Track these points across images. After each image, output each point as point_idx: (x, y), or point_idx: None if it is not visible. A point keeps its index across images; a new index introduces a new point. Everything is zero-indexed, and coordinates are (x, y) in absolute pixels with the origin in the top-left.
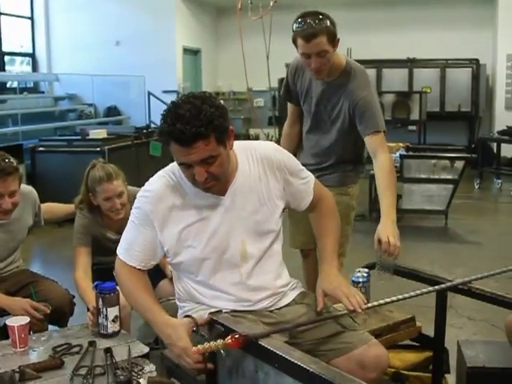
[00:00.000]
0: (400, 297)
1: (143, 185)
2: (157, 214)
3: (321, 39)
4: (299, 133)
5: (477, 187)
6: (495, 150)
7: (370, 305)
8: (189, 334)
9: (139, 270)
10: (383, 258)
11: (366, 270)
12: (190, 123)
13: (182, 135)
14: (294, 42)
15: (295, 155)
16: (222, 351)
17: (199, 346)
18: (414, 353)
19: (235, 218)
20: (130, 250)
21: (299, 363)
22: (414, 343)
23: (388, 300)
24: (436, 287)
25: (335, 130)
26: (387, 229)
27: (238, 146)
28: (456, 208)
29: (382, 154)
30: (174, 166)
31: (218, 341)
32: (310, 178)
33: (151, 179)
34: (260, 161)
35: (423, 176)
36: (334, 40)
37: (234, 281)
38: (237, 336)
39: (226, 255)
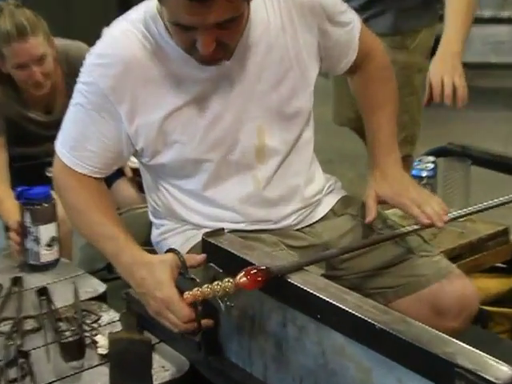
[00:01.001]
0: (497, 201)
1: (77, 36)
2: (123, 94)
3: None
4: None
5: None
6: None
7: (451, 215)
8: (173, 277)
9: (94, 178)
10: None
11: (432, 158)
12: None
13: None
14: None
15: None
16: (221, 303)
17: (195, 289)
18: (498, 278)
19: (247, 96)
20: (79, 148)
21: (360, 315)
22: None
23: (477, 207)
24: None
25: None
26: (442, 65)
27: None
28: None
29: None
30: (145, 14)
31: (225, 281)
32: (355, 23)
33: (108, 34)
34: (284, 2)
35: (487, 14)
36: None
37: (244, 192)
38: (254, 271)
39: (232, 154)
